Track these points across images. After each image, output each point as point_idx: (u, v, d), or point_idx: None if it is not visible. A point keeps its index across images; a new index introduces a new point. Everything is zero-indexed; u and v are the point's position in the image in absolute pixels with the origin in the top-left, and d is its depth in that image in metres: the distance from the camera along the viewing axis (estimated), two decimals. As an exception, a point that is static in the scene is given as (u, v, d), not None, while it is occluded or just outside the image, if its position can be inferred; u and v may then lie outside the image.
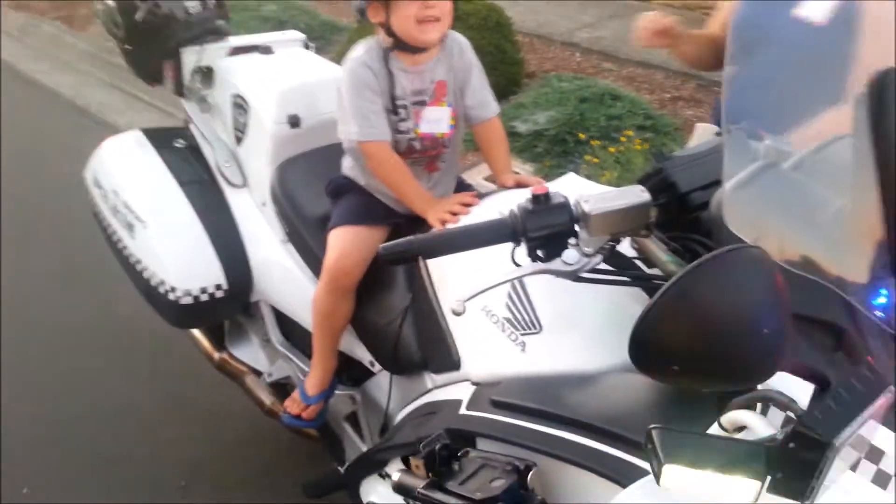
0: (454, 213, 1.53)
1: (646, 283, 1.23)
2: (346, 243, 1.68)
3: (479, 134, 1.77)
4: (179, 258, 2.00)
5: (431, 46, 1.64)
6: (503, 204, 1.46)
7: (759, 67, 1.06)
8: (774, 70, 1.05)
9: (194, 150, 2.20)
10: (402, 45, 1.62)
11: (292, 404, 1.89)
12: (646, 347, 0.84)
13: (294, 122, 1.96)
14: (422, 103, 1.67)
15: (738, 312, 0.78)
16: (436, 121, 1.68)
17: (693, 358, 0.81)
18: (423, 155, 1.70)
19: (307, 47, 2.35)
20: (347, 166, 1.79)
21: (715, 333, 0.79)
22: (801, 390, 0.83)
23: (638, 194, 1.17)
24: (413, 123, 1.66)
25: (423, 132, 1.67)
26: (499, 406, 1.21)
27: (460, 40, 1.72)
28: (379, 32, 1.64)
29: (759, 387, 0.84)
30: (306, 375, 1.87)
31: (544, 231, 1.15)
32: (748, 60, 1.06)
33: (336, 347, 1.79)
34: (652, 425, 0.77)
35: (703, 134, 1.34)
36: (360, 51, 1.66)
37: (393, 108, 1.65)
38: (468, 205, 1.55)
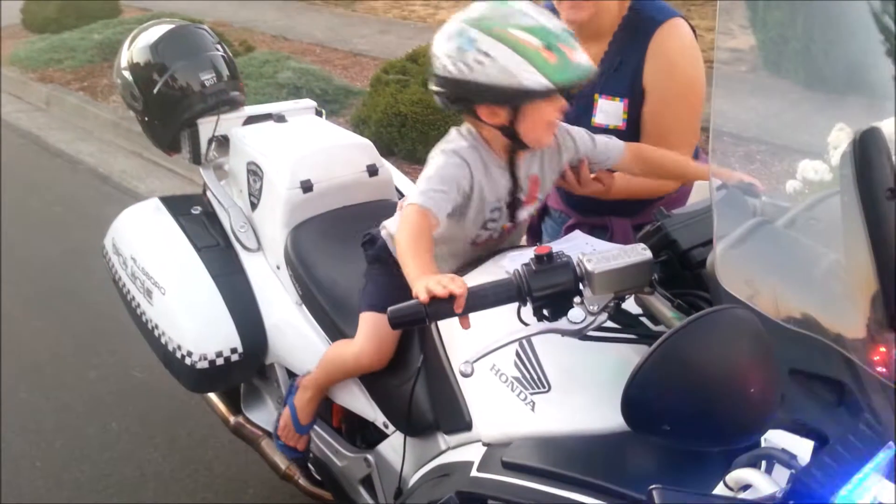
0: (444, 286, 1.21)
1: (652, 341, 1.22)
2: (381, 331, 1.66)
3: (630, 162, 1.65)
4: (196, 323, 2.03)
5: None
6: (508, 263, 1.48)
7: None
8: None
9: (211, 217, 2.25)
10: (520, 146, 1.48)
11: (288, 436, 1.92)
12: (637, 408, 0.85)
13: (307, 186, 2.01)
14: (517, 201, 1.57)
15: (725, 373, 0.78)
16: (524, 219, 1.64)
17: (682, 418, 0.82)
18: (496, 242, 1.63)
19: (319, 114, 2.42)
20: (386, 234, 1.71)
21: (702, 394, 0.79)
22: (805, 447, 0.83)
23: (640, 252, 1.18)
24: (505, 220, 1.58)
25: (507, 226, 1.60)
26: (510, 468, 1.20)
27: (565, 129, 1.58)
28: (479, 129, 1.49)
29: (763, 444, 0.84)
30: (293, 406, 1.89)
31: (549, 290, 1.17)
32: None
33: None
34: (653, 486, 0.77)
35: (701, 190, 1.36)
36: (468, 150, 1.48)
37: (498, 207, 1.55)
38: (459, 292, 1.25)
